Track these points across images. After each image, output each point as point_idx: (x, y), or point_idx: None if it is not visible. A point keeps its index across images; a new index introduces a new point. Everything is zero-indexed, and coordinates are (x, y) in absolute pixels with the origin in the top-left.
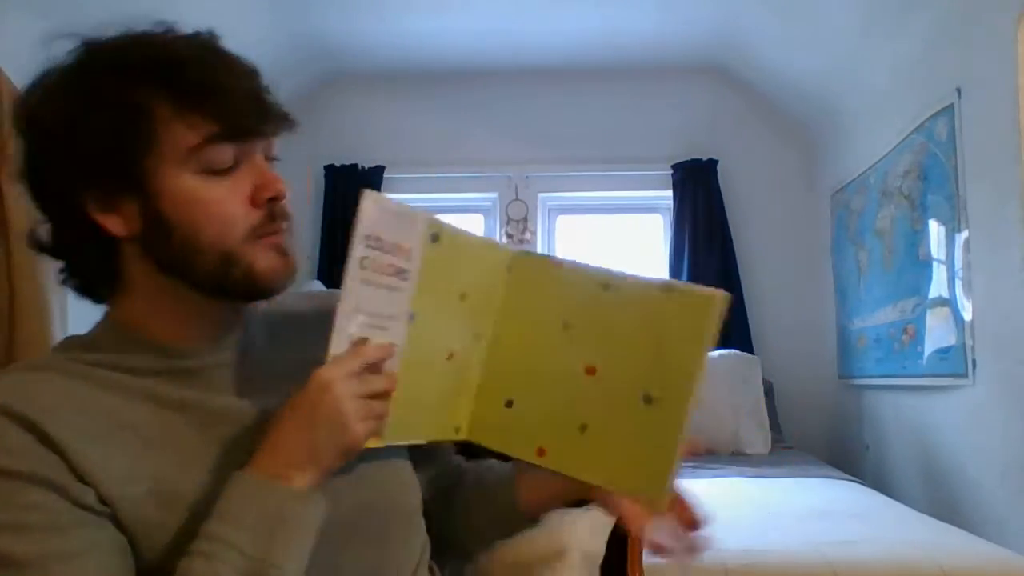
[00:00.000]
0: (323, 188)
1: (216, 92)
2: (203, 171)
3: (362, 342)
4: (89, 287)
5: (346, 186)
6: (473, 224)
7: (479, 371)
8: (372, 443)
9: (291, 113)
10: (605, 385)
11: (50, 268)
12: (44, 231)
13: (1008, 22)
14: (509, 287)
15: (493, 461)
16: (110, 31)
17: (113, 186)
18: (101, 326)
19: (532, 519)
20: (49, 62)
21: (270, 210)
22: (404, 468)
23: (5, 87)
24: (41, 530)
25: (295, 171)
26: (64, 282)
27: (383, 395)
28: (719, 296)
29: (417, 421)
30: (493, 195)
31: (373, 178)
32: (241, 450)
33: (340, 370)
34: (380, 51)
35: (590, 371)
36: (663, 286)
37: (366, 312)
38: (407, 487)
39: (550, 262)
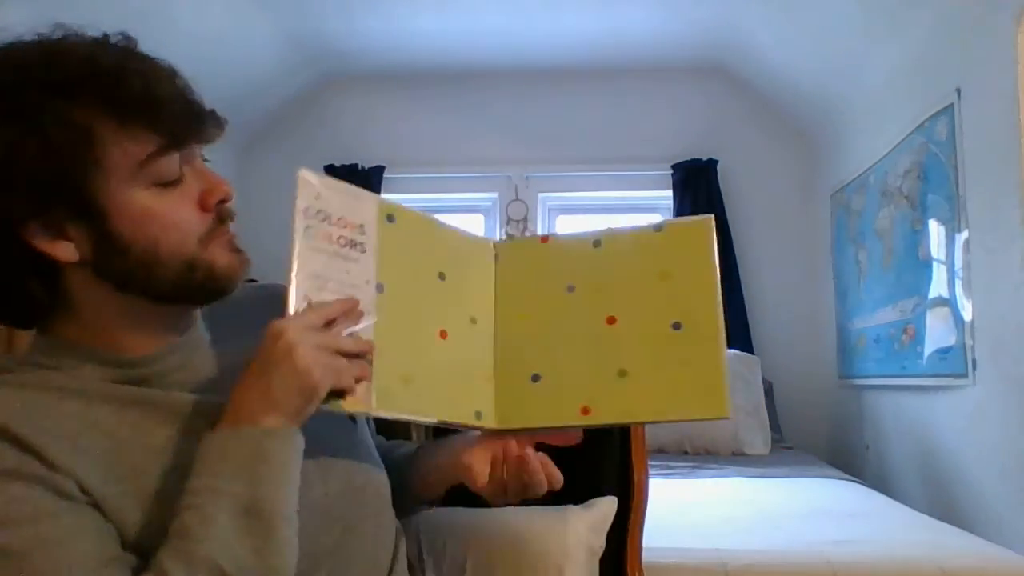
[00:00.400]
0: None
1: (156, 103)
2: (153, 184)
3: (323, 303)
4: (20, 317)
5: None
6: (473, 224)
7: (490, 356)
8: (359, 407)
9: (219, 111)
10: (631, 328)
11: None
12: None
13: (1008, 22)
14: (499, 274)
15: (402, 440)
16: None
17: (60, 213)
18: (40, 344)
19: (424, 502)
20: None
21: (218, 212)
22: (376, 454)
23: None
24: (28, 521)
25: (295, 171)
26: None
27: (356, 356)
28: (708, 220)
29: (419, 397)
30: (493, 195)
31: (373, 178)
32: None
33: (296, 321)
34: (380, 51)
35: (611, 321)
36: (654, 226)
37: (323, 277)
38: (383, 471)
39: (536, 240)
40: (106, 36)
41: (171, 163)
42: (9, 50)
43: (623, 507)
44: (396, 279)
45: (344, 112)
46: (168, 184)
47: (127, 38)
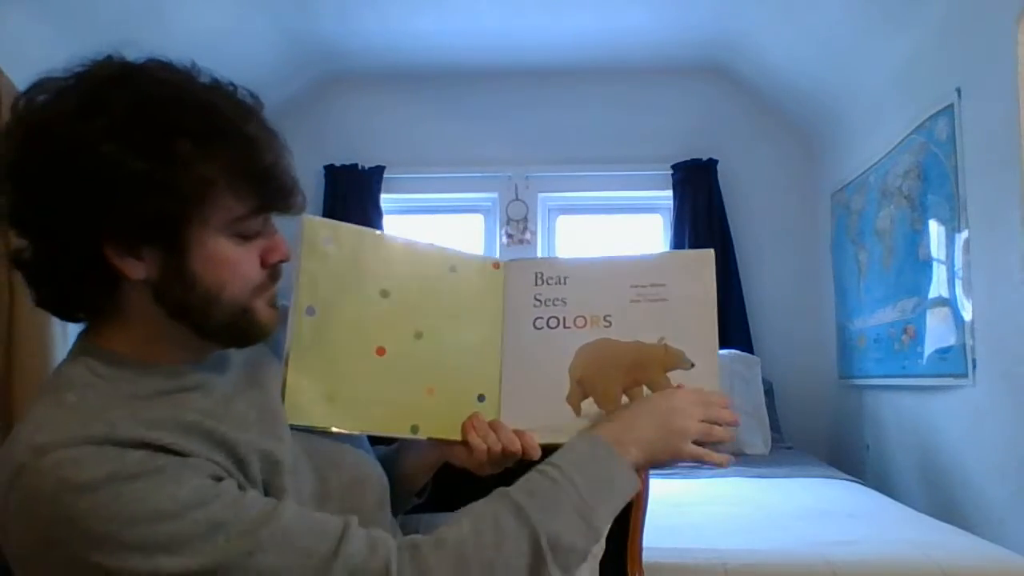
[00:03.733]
0: (323, 188)
1: (271, 176)
2: (236, 235)
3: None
4: (68, 310)
5: (346, 186)
6: (473, 224)
7: (437, 369)
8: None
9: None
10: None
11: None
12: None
13: (1008, 22)
14: (456, 287)
15: None
16: (137, 54)
17: (146, 239)
18: (93, 356)
19: (413, 493)
20: (82, 84)
21: (272, 270)
22: (372, 452)
23: (5, 87)
24: (217, 496)
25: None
26: (41, 304)
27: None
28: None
29: (344, 412)
30: (493, 195)
31: (373, 178)
32: (274, 436)
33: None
34: (380, 51)
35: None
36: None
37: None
38: (380, 467)
39: (491, 262)
40: (233, 86)
41: (257, 222)
42: (156, 81)
43: (623, 507)
44: (325, 302)
45: (344, 112)
46: (246, 238)
47: (254, 97)
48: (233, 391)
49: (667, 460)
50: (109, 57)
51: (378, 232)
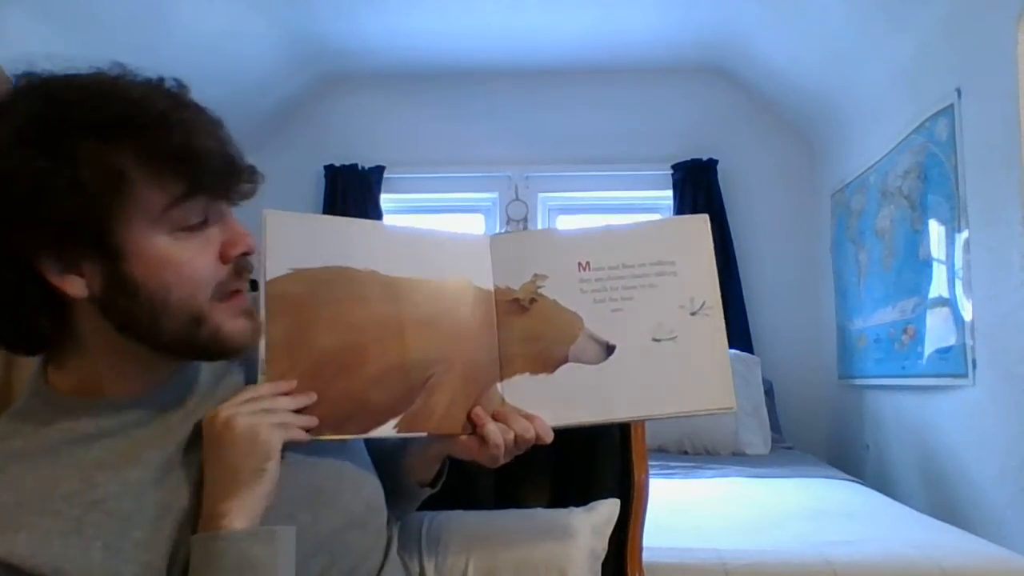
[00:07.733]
0: (323, 188)
1: (192, 156)
2: (175, 230)
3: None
4: (26, 346)
5: (346, 186)
6: (473, 224)
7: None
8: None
9: (256, 166)
10: None
11: None
12: None
13: (1008, 22)
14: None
15: None
16: (62, 68)
17: (77, 249)
18: (40, 397)
19: (422, 485)
20: None
21: (236, 264)
22: (364, 458)
23: (5, 87)
24: None
25: (295, 171)
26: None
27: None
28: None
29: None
30: (493, 195)
31: (373, 178)
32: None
33: (227, 403)
34: (380, 51)
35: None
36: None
37: None
38: (372, 477)
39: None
40: (161, 80)
41: (194, 209)
42: (63, 83)
43: (623, 507)
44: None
45: (344, 112)
46: (190, 229)
47: (180, 85)
48: (169, 427)
49: (260, 466)
50: (28, 74)
51: (352, 220)
